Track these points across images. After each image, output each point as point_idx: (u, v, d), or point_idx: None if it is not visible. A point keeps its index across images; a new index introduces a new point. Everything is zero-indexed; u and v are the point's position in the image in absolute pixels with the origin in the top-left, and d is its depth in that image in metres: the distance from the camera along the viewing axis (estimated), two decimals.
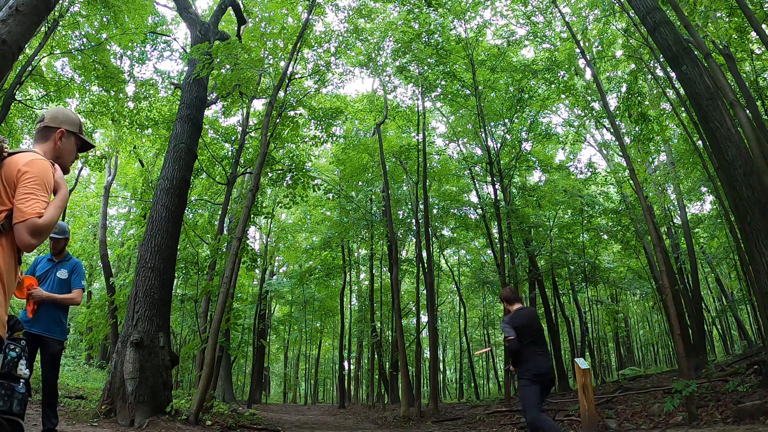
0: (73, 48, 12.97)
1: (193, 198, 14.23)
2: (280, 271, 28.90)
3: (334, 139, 15.42)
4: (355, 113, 18.83)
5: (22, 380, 2.54)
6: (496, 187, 14.43)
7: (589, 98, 14.41)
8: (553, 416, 8.42)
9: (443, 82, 14.55)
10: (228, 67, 9.95)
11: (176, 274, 10.46)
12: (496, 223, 15.03)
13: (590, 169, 16.94)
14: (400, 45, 13.60)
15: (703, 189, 17.02)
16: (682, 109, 11.83)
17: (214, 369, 8.52)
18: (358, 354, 24.76)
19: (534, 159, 17.46)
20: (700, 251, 18.26)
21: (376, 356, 20.53)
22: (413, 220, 16.56)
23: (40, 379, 4.29)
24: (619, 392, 10.00)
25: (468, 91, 14.73)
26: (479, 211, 17.29)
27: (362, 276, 27.29)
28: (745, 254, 8.90)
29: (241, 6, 12.55)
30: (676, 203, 17.26)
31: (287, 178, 12.52)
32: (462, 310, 25.17)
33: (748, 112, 8.05)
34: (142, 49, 14.43)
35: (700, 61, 7.24)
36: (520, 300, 5.35)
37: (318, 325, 29.36)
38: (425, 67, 14.24)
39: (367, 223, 17.97)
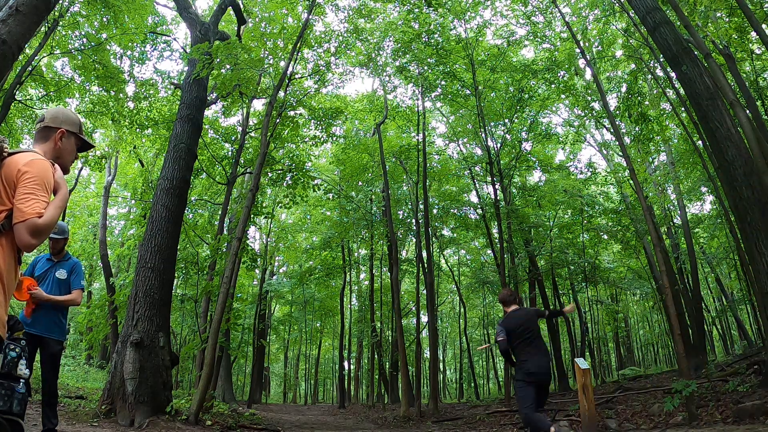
0: (73, 48, 12.97)
1: (193, 198, 14.23)
2: (280, 271, 28.91)
3: (334, 139, 15.42)
4: (355, 113, 18.83)
5: (22, 380, 2.54)
6: (496, 187, 14.43)
7: (589, 98, 14.41)
8: (553, 416, 8.41)
9: (443, 82, 14.55)
10: (228, 67, 9.95)
11: (176, 274, 10.46)
12: (496, 223, 15.03)
13: (590, 169, 16.94)
14: (400, 45, 13.60)
15: (703, 189, 17.02)
16: (682, 109, 11.83)
17: (214, 369, 8.52)
18: (358, 354, 24.76)
19: (534, 159, 17.46)
20: (700, 251, 18.26)
21: (376, 356, 20.54)
22: (413, 220, 16.56)
23: (39, 379, 4.28)
24: (619, 392, 10.00)
25: (468, 91, 14.73)
26: (479, 211, 17.29)
27: (362, 276, 27.30)
28: (745, 254, 8.90)
29: (241, 6, 12.55)
30: (676, 203, 17.26)
31: (287, 178, 12.53)
32: (462, 310, 25.18)
33: (748, 112, 8.05)
34: (142, 49, 14.43)
35: (700, 61, 7.24)
36: (517, 302, 5.52)
37: (318, 325, 29.36)
38: (425, 67, 14.24)
39: (367, 223, 17.97)
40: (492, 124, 16.34)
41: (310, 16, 11.06)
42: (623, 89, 13.37)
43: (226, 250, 10.48)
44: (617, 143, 13.31)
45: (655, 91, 14.34)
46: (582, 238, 17.84)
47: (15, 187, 1.86)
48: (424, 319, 19.46)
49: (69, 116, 2.20)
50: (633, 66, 13.14)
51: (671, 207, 17.77)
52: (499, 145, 16.20)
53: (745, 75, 10.92)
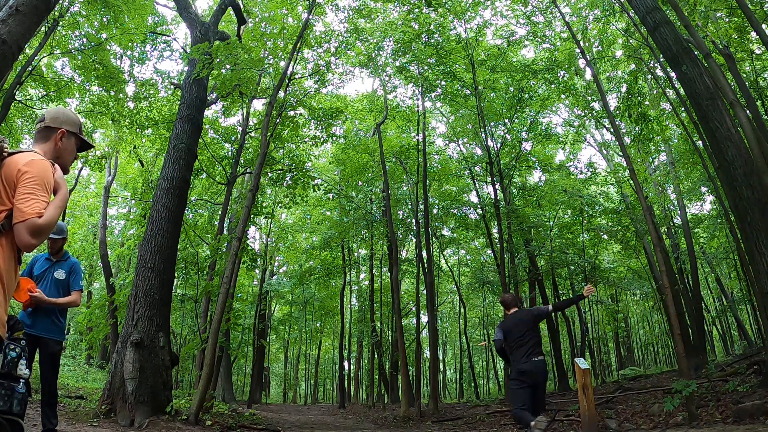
0: (73, 48, 12.97)
1: (193, 198, 14.23)
2: (280, 271, 28.91)
3: (334, 139, 15.42)
4: (355, 113, 18.83)
5: (22, 380, 2.54)
6: (496, 187, 14.43)
7: (589, 98, 14.41)
8: (553, 416, 8.42)
9: (443, 82, 14.55)
10: (228, 67, 9.95)
11: (176, 274, 10.47)
12: (496, 223, 15.03)
13: (590, 169, 16.94)
14: (400, 45, 13.60)
15: (703, 189, 17.02)
16: (682, 109, 11.83)
17: (214, 369, 8.52)
18: (358, 354, 24.76)
19: (534, 159, 17.45)
20: (700, 251, 18.26)
21: (376, 356, 20.54)
22: (413, 220, 16.56)
23: (39, 379, 4.28)
24: (619, 392, 10.00)
25: (468, 91, 14.73)
26: (479, 211, 17.29)
27: (362, 276, 27.30)
28: (745, 254, 8.90)
29: (241, 6, 12.55)
30: (676, 203, 17.26)
31: (287, 178, 12.53)
32: (462, 310, 25.18)
33: (748, 112, 8.05)
34: (142, 49, 14.43)
35: (700, 61, 7.24)
36: (517, 305, 5.74)
37: (318, 325, 29.36)
38: (425, 67, 14.24)
39: (367, 223, 17.97)
40: (492, 124, 16.34)
41: (310, 16, 11.06)
42: (623, 89, 13.36)
43: (226, 250, 10.48)
44: (617, 143, 13.31)
45: (655, 91, 14.34)
46: (582, 238, 17.84)
47: (15, 187, 1.86)
48: (424, 319, 19.46)
49: (69, 116, 2.20)
50: (633, 66, 13.14)
51: (671, 207, 17.77)
52: (499, 145, 16.20)
53: (745, 75, 10.92)
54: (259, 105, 17.57)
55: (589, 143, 18.62)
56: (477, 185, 17.92)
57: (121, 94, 13.92)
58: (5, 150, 1.91)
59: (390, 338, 20.84)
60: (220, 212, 12.88)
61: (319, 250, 20.83)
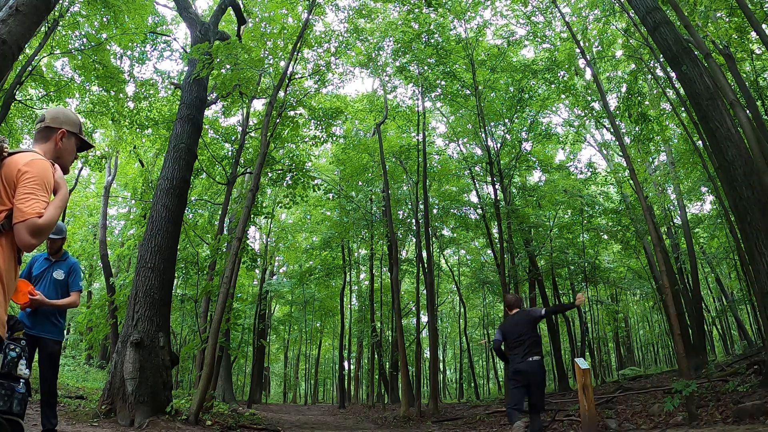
0: (73, 48, 12.97)
1: (193, 198, 14.23)
2: (280, 271, 28.91)
3: (334, 139, 15.42)
4: (355, 113, 18.83)
5: (22, 380, 2.54)
6: (496, 187, 14.43)
7: (589, 98, 14.41)
8: (554, 416, 8.43)
9: (443, 82, 14.55)
10: (228, 67, 9.95)
11: (176, 274, 10.46)
12: (496, 223, 15.03)
13: (590, 169, 16.94)
14: (400, 45, 13.60)
15: (703, 189, 17.02)
16: (682, 109, 11.83)
17: (214, 369, 8.52)
18: (358, 354, 24.76)
19: (534, 159, 17.45)
20: (700, 251, 18.26)
21: (376, 356, 20.54)
22: (413, 220, 16.56)
23: (39, 379, 4.28)
24: (619, 392, 10.00)
25: (468, 91, 14.73)
26: (479, 211, 17.29)
27: (362, 276, 27.30)
28: (745, 254, 8.90)
29: (241, 6, 12.55)
30: (676, 203, 17.26)
31: (287, 178, 12.52)
32: (462, 310, 25.18)
33: (748, 112, 8.05)
34: (142, 49, 14.43)
35: (700, 61, 7.24)
36: (520, 305, 5.87)
37: (318, 325, 29.36)
38: (425, 67, 14.24)
39: (367, 223, 17.97)
40: (492, 124, 16.34)
41: (310, 16, 11.06)
42: (623, 89, 13.36)
43: (226, 250, 10.48)
44: (617, 143, 13.31)
45: (655, 91, 14.34)
46: (582, 238, 17.84)
47: (15, 187, 1.86)
48: (424, 319, 19.46)
49: (69, 116, 2.20)
50: (633, 66, 13.14)
51: (671, 207, 17.77)
52: (499, 145, 16.20)
53: (745, 75, 10.92)
54: (259, 105, 17.58)
55: (589, 143, 18.63)
56: (477, 185, 17.92)
57: (121, 94, 13.92)
58: (5, 150, 1.91)
59: (390, 338, 20.85)
60: (220, 212, 12.87)
61: (319, 250, 20.83)
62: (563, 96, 14.86)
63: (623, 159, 11.69)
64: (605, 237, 18.62)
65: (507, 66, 14.49)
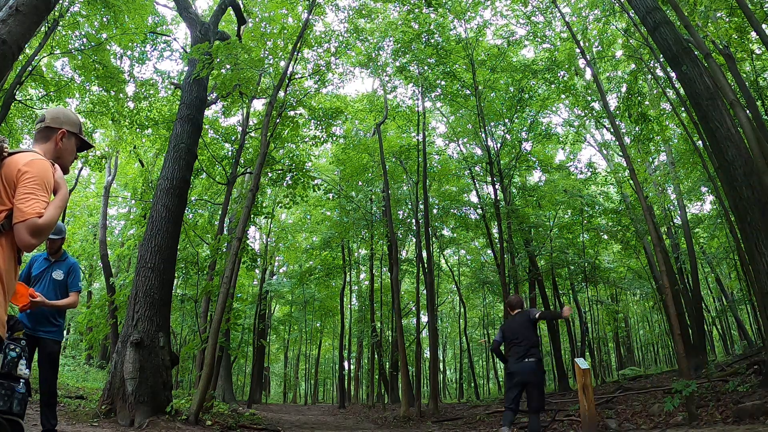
0: (73, 48, 12.97)
1: (193, 198, 14.23)
2: (280, 271, 28.91)
3: (334, 139, 15.42)
4: (355, 113, 18.83)
5: (22, 380, 2.54)
6: (496, 187, 14.43)
7: (589, 98, 14.41)
8: (553, 416, 8.43)
9: (443, 82, 14.55)
10: (228, 67, 9.95)
11: (176, 274, 10.46)
12: (496, 223, 15.03)
13: (590, 169, 16.95)
14: (400, 45, 13.60)
15: (703, 189, 17.02)
16: (682, 109, 11.83)
17: (214, 369, 8.52)
18: (358, 354, 24.76)
19: (534, 159, 17.46)
20: (700, 251, 18.26)
21: (376, 356, 20.54)
22: (413, 220, 16.56)
23: (38, 379, 4.28)
24: (619, 392, 10.00)
25: (468, 91, 14.73)
26: (479, 211, 17.30)
27: (362, 276, 27.30)
28: (745, 254, 8.90)
29: (241, 6, 12.55)
30: (676, 203, 17.26)
31: (287, 178, 12.52)
32: (462, 310, 25.18)
33: (748, 112, 8.05)
34: (142, 49, 14.43)
35: (700, 61, 7.24)
36: (522, 306, 5.93)
37: (318, 325, 29.36)
38: (425, 67, 14.24)
39: (367, 223, 17.97)
40: (492, 124, 16.34)
41: (310, 16, 11.06)
42: (623, 89, 13.36)
43: (226, 250, 10.48)
44: (617, 143, 13.31)
45: (655, 91, 14.34)
46: (582, 238, 17.84)
47: (15, 187, 1.86)
48: (424, 319, 19.46)
49: (69, 116, 2.20)
50: (633, 66, 13.14)
51: (671, 207, 17.77)
52: (499, 145, 16.20)
53: (745, 75, 10.92)
54: (259, 105, 17.57)
55: (589, 143, 18.63)
56: (477, 185, 17.92)
57: (121, 94, 13.92)
58: (5, 150, 1.91)
59: (390, 338, 20.84)
60: (220, 212, 12.87)
61: (319, 250, 20.83)
62: (563, 96, 14.86)
63: (623, 159, 11.69)
64: (605, 237, 18.62)
65: (507, 66, 14.50)
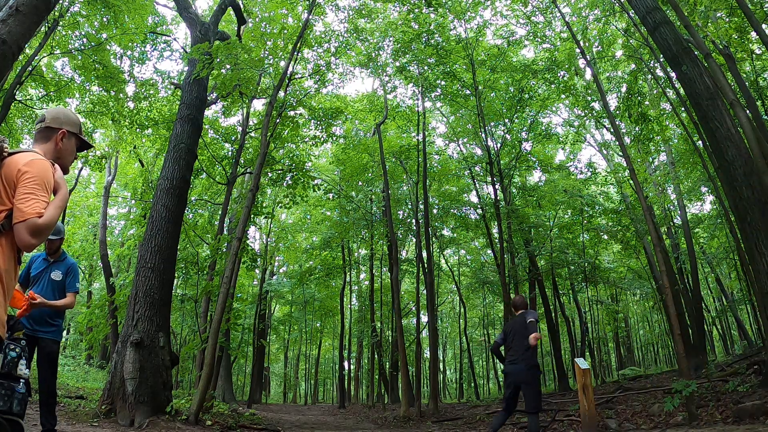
0: (73, 48, 12.97)
1: (193, 198, 14.23)
2: (280, 271, 28.91)
3: (334, 139, 15.42)
4: (355, 113, 18.83)
5: (22, 380, 2.54)
6: (496, 187, 14.43)
7: (589, 98, 14.41)
8: (553, 416, 8.43)
9: (443, 82, 14.55)
10: (228, 67, 9.95)
11: (176, 274, 10.46)
12: (496, 223, 15.03)
13: (590, 169, 16.95)
14: (400, 45, 13.61)
15: (703, 189, 17.03)
16: (682, 109, 11.83)
17: (214, 369, 8.52)
18: (358, 354, 24.76)
19: (534, 159, 17.46)
20: (700, 251, 18.26)
21: (376, 356, 20.54)
22: (413, 220, 16.57)
23: (38, 379, 4.28)
24: (619, 392, 10.00)
25: (468, 91, 14.73)
26: (479, 211, 17.30)
27: (362, 276, 27.30)
28: (745, 254, 8.90)
29: (241, 6, 12.55)
30: (676, 203, 17.26)
31: (287, 178, 12.52)
32: (462, 310, 25.18)
33: (748, 112, 8.05)
34: (142, 49, 14.43)
35: (700, 61, 7.24)
36: (525, 306, 5.93)
37: (318, 325, 29.37)
38: (425, 67, 14.24)
39: (367, 223, 17.97)
40: (492, 124, 16.35)
41: (310, 16, 11.06)
42: (623, 89, 13.37)
43: (226, 250, 10.48)
44: (617, 143, 13.31)
45: (655, 91, 14.34)
46: (582, 238, 17.84)
47: (15, 187, 1.86)
48: (424, 319, 19.46)
49: (70, 117, 2.20)
50: (633, 66, 13.14)
51: (671, 207, 17.77)
52: (499, 145, 16.20)
53: (745, 75, 10.92)
54: (259, 105, 17.59)
55: (589, 143, 18.63)
56: (477, 185, 17.93)
57: (121, 94, 13.92)
58: (5, 150, 1.91)
59: (390, 338, 20.84)
60: (220, 212, 12.87)
61: (319, 250, 20.83)
62: (563, 96, 14.86)
63: (623, 159, 11.69)
64: (605, 237, 18.62)
65: (507, 66, 14.50)
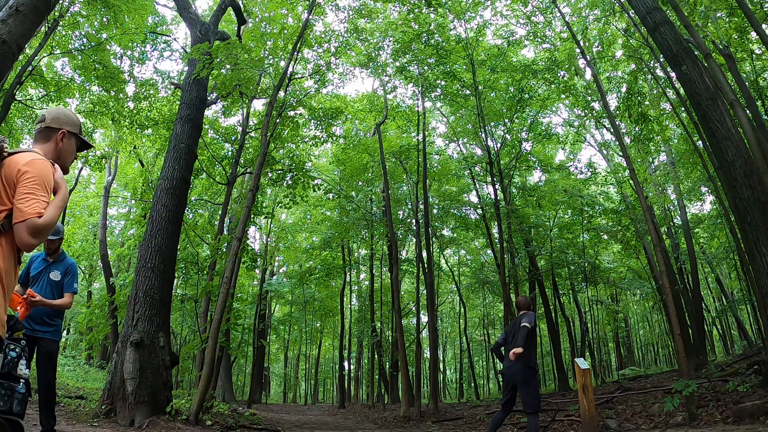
0: (73, 48, 12.96)
1: (193, 198, 14.22)
2: (280, 271, 28.90)
3: (334, 139, 15.40)
4: (355, 113, 18.83)
5: (22, 380, 2.54)
6: (496, 187, 14.43)
7: (589, 98, 14.41)
8: (553, 416, 8.43)
9: (443, 82, 14.55)
10: (228, 67, 9.94)
11: (176, 274, 10.46)
12: (496, 223, 15.03)
13: (590, 169, 16.95)
14: (400, 45, 13.61)
15: (703, 189, 17.02)
16: (682, 109, 11.83)
17: (214, 369, 8.51)
18: (358, 354, 24.76)
19: (534, 159, 17.46)
20: (700, 251, 18.26)
21: (376, 356, 20.54)
22: (413, 220, 16.57)
23: (37, 379, 4.28)
24: (619, 392, 10.00)
25: (468, 91, 14.73)
26: (479, 211, 17.30)
27: (362, 276, 27.29)
28: (745, 254, 8.90)
29: (241, 6, 12.55)
30: (676, 203, 17.26)
31: (287, 178, 12.52)
32: (462, 310, 25.18)
33: (748, 112, 8.05)
34: (142, 49, 14.44)
35: (700, 61, 7.24)
36: (528, 307, 5.97)
37: (318, 325, 29.37)
38: (425, 67, 14.24)
39: (367, 223, 17.97)
40: (492, 124, 16.34)
41: (310, 16, 11.06)
42: (623, 89, 13.36)
43: (226, 250, 10.47)
44: (617, 143, 13.31)
45: (655, 91, 14.34)
46: (582, 238, 17.84)
47: (15, 187, 1.86)
48: (424, 319, 19.47)
49: (70, 117, 2.20)
50: (633, 66, 13.14)
51: (671, 207, 17.77)
52: (499, 145, 16.20)
53: (745, 75, 10.92)
54: (259, 105, 17.57)
55: (589, 143, 18.63)
56: (477, 185, 17.92)
57: (121, 94, 13.92)
58: (5, 150, 1.91)
59: (390, 338, 20.84)
60: (220, 212, 12.87)
61: (319, 250, 20.83)
62: (563, 96, 14.85)
63: (623, 159, 11.68)
64: (605, 237, 18.62)
65: (507, 66, 14.50)
